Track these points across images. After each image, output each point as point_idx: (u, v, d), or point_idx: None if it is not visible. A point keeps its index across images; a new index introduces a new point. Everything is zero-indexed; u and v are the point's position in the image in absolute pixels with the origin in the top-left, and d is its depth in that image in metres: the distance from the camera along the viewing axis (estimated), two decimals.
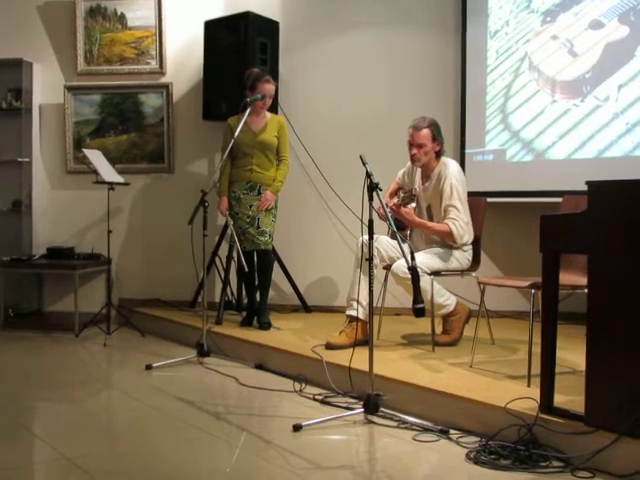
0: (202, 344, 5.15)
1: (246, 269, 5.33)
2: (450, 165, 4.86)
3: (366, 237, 3.83)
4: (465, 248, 4.88)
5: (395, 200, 4.95)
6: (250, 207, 5.60)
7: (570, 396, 3.34)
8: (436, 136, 4.85)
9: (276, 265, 6.16)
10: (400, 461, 3.23)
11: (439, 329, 4.93)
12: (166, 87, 6.98)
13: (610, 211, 2.95)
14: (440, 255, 4.79)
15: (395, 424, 3.64)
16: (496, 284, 4.29)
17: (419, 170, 5.05)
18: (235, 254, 6.04)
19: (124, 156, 7.07)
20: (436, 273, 4.73)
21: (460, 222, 4.73)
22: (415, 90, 6.44)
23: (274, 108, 6.04)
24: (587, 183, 3.07)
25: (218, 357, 5.20)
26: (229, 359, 5.17)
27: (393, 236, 4.80)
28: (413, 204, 4.76)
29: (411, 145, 4.86)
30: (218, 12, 6.70)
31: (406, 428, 3.58)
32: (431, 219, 4.92)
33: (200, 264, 5.31)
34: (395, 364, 4.30)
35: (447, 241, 4.82)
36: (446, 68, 6.43)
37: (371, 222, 3.73)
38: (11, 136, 7.03)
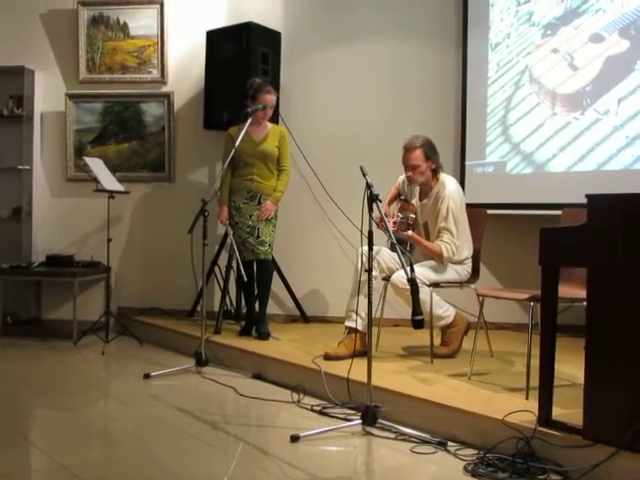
0: (200, 353, 5.15)
1: (245, 279, 5.34)
2: (448, 185, 4.84)
3: (365, 248, 3.84)
4: (466, 262, 4.89)
5: (394, 206, 4.96)
6: (250, 217, 5.60)
7: (569, 409, 3.34)
8: (429, 155, 4.82)
9: (275, 275, 6.15)
10: (398, 473, 3.22)
11: (438, 341, 4.93)
12: (167, 96, 7.00)
13: (609, 225, 2.95)
14: (439, 267, 4.79)
15: (393, 436, 3.63)
16: (495, 296, 4.29)
17: (418, 187, 5.04)
18: (234, 263, 6.04)
19: (125, 164, 7.07)
20: (435, 285, 4.73)
21: (452, 246, 4.73)
22: (416, 101, 6.45)
23: (275, 118, 6.05)
24: (587, 196, 3.08)
25: (216, 367, 5.19)
26: (227, 369, 5.17)
27: (392, 248, 4.81)
28: (409, 232, 4.73)
29: (406, 167, 4.87)
30: (220, 22, 6.72)
31: (404, 440, 3.57)
32: (428, 236, 4.92)
33: (199, 273, 5.30)
34: (393, 375, 4.29)
35: (435, 260, 4.82)
36: (447, 80, 6.45)
37: (371, 233, 3.74)
38: (12, 143, 7.03)
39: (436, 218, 4.81)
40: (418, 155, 4.81)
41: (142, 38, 7.01)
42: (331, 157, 6.55)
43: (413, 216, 4.83)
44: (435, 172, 4.90)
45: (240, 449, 3.55)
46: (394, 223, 4.75)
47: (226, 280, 6.30)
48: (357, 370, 3.98)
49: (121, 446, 3.67)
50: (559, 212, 4.51)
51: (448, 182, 4.87)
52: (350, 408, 4.05)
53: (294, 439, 3.55)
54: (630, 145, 5.28)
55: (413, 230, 4.85)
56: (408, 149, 4.84)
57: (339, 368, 4.33)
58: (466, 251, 4.87)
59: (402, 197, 5.12)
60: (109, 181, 6.34)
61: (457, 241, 4.76)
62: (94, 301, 6.92)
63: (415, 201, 5.04)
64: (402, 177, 5.20)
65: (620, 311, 2.91)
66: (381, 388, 3.91)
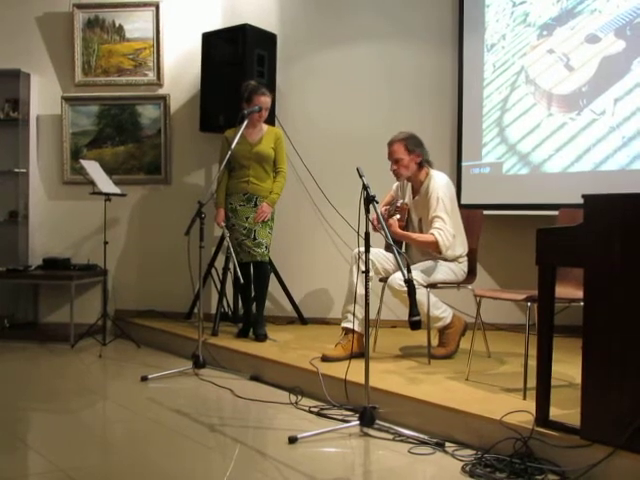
0: (198, 355, 5.14)
1: (242, 281, 5.33)
2: (437, 178, 4.86)
3: (361, 249, 3.84)
4: (460, 260, 4.89)
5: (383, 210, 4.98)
6: (247, 219, 5.60)
7: (566, 409, 3.34)
8: (412, 148, 4.84)
9: (272, 277, 6.16)
10: (395, 474, 3.22)
11: (435, 342, 4.93)
12: (163, 99, 7.00)
13: (606, 225, 2.96)
14: (436, 267, 4.79)
15: (391, 437, 3.63)
16: (492, 297, 4.29)
17: (409, 184, 5.06)
18: (231, 266, 6.04)
19: (121, 167, 7.07)
20: (432, 285, 4.73)
21: (445, 232, 4.71)
22: (412, 103, 6.46)
23: (271, 120, 6.05)
24: (583, 197, 3.08)
25: (214, 369, 5.20)
26: (225, 371, 5.17)
27: (388, 248, 4.81)
28: (397, 215, 4.77)
29: (390, 161, 4.89)
30: (216, 24, 6.72)
31: (402, 441, 3.57)
32: (422, 232, 4.91)
33: (197, 275, 5.30)
34: (391, 376, 4.29)
35: (432, 252, 4.81)
36: (443, 81, 6.45)
37: (367, 235, 3.74)
38: (8, 146, 7.04)
39: (428, 211, 4.81)
40: (400, 148, 4.83)
41: (138, 41, 7.02)
42: (327, 159, 6.56)
43: (402, 201, 4.87)
44: (421, 166, 4.91)
45: (238, 451, 3.55)
46: (382, 214, 4.77)
47: (223, 282, 6.30)
48: (354, 371, 3.99)
49: (119, 449, 3.67)
50: (556, 212, 4.51)
51: (437, 176, 4.88)
52: (348, 409, 4.05)
53: (292, 441, 3.55)
54: (626, 145, 5.28)
55: (407, 218, 4.90)
56: (390, 143, 4.89)
57: (336, 369, 4.33)
58: (460, 247, 4.86)
59: (394, 203, 5.08)
60: (105, 184, 6.34)
61: (450, 228, 4.74)
62: (91, 304, 6.91)
63: (408, 199, 5.04)
64: (395, 184, 5.21)
65: (617, 311, 2.91)
66: (379, 389, 3.91)
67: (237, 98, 5.66)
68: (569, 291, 3.80)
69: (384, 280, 4.88)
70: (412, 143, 4.85)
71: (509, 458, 3.11)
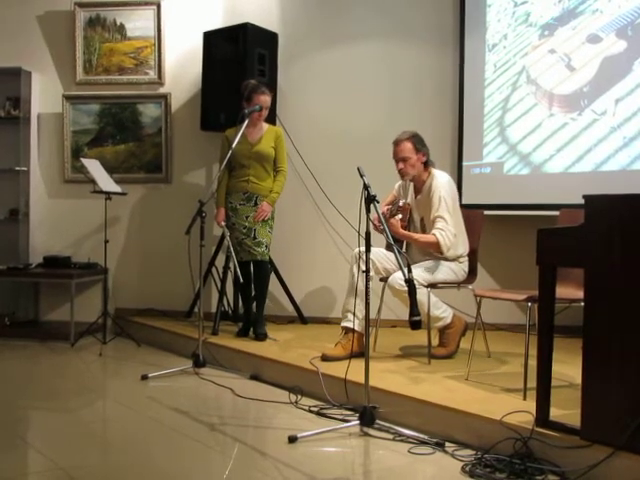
0: (198, 354, 5.14)
1: (242, 280, 5.33)
2: (439, 177, 4.86)
3: (361, 248, 3.84)
4: (461, 260, 4.88)
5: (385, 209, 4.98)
6: (247, 218, 5.60)
7: (566, 410, 3.34)
8: (419, 147, 4.85)
9: (272, 276, 6.16)
10: (395, 474, 3.22)
11: (435, 341, 4.92)
12: (164, 97, 6.99)
13: (607, 225, 2.96)
14: (436, 267, 4.79)
15: (391, 436, 3.63)
16: (493, 297, 4.29)
17: (412, 184, 5.06)
18: (232, 265, 6.04)
19: (122, 166, 7.07)
20: (433, 285, 4.73)
21: (447, 232, 4.71)
22: (413, 103, 6.46)
23: (272, 119, 6.05)
24: (584, 197, 3.08)
25: (214, 368, 5.20)
26: (225, 370, 5.17)
27: (389, 248, 4.80)
28: (399, 215, 4.77)
29: (397, 161, 4.88)
30: (217, 23, 6.72)
31: (402, 441, 3.57)
32: (424, 232, 4.91)
33: (197, 274, 5.29)
34: (391, 376, 4.29)
35: (434, 252, 4.81)
36: (444, 81, 6.44)
37: (368, 234, 3.74)
38: (9, 145, 7.03)
39: (430, 210, 4.81)
40: (407, 147, 4.83)
41: (139, 39, 7.01)
42: (328, 158, 6.55)
43: (404, 200, 4.87)
44: (426, 166, 4.91)
45: (237, 450, 3.55)
46: (384, 213, 4.76)
47: (223, 281, 6.30)
48: (354, 371, 3.99)
49: (118, 448, 3.66)
50: (556, 213, 4.51)
51: (440, 175, 4.89)
52: (348, 409, 4.05)
53: (292, 440, 3.55)
54: (627, 146, 5.28)
55: (409, 217, 4.90)
56: (397, 142, 4.88)
57: (336, 369, 4.33)
58: (461, 247, 4.86)
59: (396, 203, 5.07)
60: (106, 182, 6.34)
61: (452, 228, 4.74)
62: (91, 302, 6.91)
63: (410, 199, 5.05)
64: (398, 184, 5.21)
65: (617, 312, 2.91)
66: (379, 389, 3.91)
67: (238, 97, 5.66)
68: (569, 291, 3.80)
69: (384, 280, 4.87)
70: (418, 142, 4.86)
71: (509, 458, 3.11)
